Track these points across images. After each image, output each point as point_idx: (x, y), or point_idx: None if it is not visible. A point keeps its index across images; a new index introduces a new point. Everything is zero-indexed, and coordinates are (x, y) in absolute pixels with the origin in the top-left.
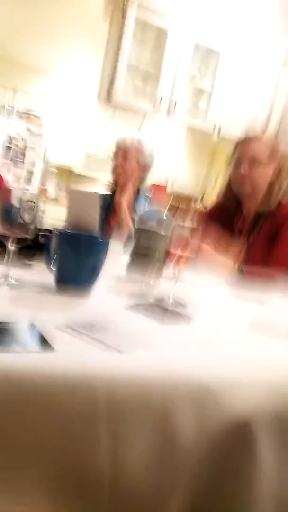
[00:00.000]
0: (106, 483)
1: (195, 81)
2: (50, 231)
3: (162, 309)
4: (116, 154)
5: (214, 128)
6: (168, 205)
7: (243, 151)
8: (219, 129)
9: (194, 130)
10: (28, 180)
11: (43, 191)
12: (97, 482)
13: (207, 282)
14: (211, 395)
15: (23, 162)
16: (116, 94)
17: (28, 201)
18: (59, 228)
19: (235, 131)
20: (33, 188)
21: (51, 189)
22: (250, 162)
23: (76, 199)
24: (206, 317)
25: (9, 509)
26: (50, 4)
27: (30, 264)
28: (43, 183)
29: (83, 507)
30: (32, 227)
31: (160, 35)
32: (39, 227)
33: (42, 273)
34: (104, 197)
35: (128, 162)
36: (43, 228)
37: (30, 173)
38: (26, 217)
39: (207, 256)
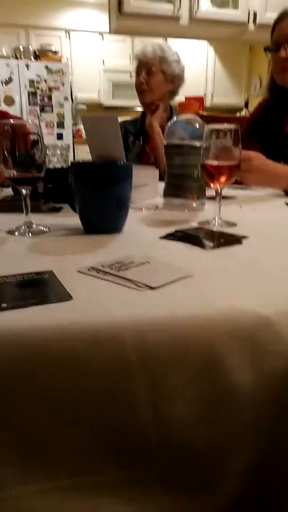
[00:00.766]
0: (152, 439)
1: None
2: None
3: (206, 232)
4: (138, 69)
5: (249, 15)
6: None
7: (281, 30)
8: (255, 14)
9: (225, 23)
10: (60, 123)
11: (76, 131)
12: (141, 442)
13: (260, 196)
14: (270, 328)
15: (50, 105)
16: (127, 2)
17: (30, 133)
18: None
19: (275, 13)
20: (66, 131)
21: None
22: None
23: (93, 128)
24: (261, 237)
25: (57, 484)
26: None
27: (58, 209)
28: (75, 123)
29: (128, 470)
30: (41, 163)
31: None
32: (64, 166)
33: (70, 216)
34: (134, 122)
35: (152, 76)
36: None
37: (61, 115)
38: (34, 153)
39: (257, 165)
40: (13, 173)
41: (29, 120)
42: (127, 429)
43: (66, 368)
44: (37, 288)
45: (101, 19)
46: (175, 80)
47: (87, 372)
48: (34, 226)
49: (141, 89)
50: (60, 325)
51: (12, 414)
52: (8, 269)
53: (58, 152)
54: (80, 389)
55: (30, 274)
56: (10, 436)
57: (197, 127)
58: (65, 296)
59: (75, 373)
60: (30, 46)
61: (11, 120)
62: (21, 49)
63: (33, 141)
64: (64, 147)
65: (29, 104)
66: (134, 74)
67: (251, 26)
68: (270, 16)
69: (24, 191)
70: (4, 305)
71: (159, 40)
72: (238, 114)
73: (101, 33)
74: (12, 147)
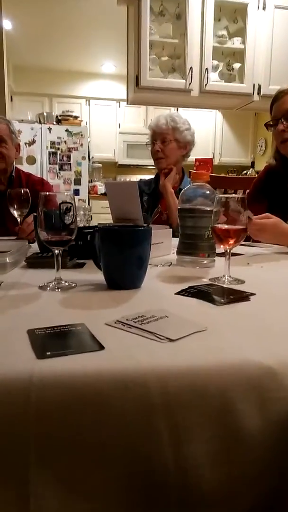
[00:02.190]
0: (172, 477)
1: (224, 42)
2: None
3: (217, 289)
4: (153, 139)
5: (253, 87)
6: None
7: (278, 107)
8: (259, 87)
9: (232, 94)
10: (77, 180)
11: (92, 187)
12: (163, 477)
13: (268, 254)
14: (274, 377)
15: (69, 164)
16: (144, 77)
17: (64, 202)
18: (102, 224)
19: (277, 86)
20: (82, 187)
21: (100, 184)
22: (286, 116)
23: (115, 192)
24: (267, 294)
25: (80, 510)
26: (63, 3)
27: (82, 264)
28: (91, 180)
29: (151, 503)
30: (73, 227)
31: (180, 3)
32: (87, 225)
33: (93, 272)
34: (149, 182)
35: (167, 145)
36: (90, 226)
37: (78, 173)
38: (67, 219)
39: (268, 225)
40: (48, 235)
41: (65, 193)
42: (150, 463)
43: (100, 408)
44: (74, 339)
45: (118, 88)
46: (187, 146)
47: (118, 412)
48: (63, 282)
49: (158, 157)
50: (96, 371)
51: (53, 445)
52: (45, 322)
53: (82, 212)
54: (112, 427)
55: (66, 326)
56: (53, 473)
57: (208, 193)
58: (98, 346)
59: (108, 414)
60: (53, 112)
61: (47, 192)
62: (45, 115)
63: (66, 209)
64: (87, 208)
65: (49, 163)
66: (148, 138)
67: (255, 97)
68: (273, 88)
69: (56, 251)
70: (48, 353)
71: (172, 109)
72: (245, 172)
73: (118, 101)
74: (48, 213)
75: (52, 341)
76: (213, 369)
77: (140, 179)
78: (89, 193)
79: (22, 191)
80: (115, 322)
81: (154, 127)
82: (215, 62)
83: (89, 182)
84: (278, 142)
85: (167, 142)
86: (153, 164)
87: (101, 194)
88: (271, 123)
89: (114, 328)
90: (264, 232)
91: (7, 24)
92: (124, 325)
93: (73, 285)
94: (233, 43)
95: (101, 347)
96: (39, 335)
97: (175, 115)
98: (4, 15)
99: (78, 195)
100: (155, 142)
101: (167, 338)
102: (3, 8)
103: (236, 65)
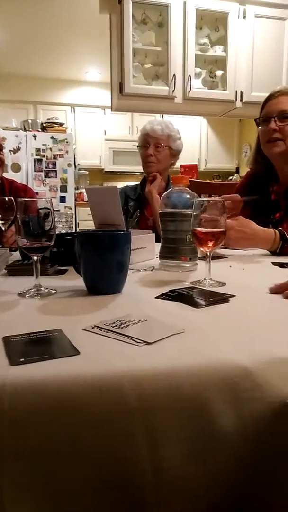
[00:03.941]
0: (149, 477)
1: (206, 50)
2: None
3: (198, 291)
4: (145, 142)
5: (236, 94)
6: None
7: (271, 106)
8: (242, 94)
9: (215, 101)
10: (63, 187)
11: (78, 195)
12: (140, 477)
13: (250, 256)
14: (249, 377)
15: (55, 171)
16: (127, 84)
17: (42, 208)
18: (82, 230)
19: (259, 93)
20: (69, 194)
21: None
22: (280, 115)
23: (95, 197)
24: (246, 296)
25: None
26: (46, 11)
27: (63, 271)
28: (77, 187)
29: (128, 503)
30: (52, 233)
31: (162, 11)
32: (69, 231)
33: (74, 278)
34: (134, 188)
35: (161, 151)
36: (71, 232)
37: (64, 180)
38: (46, 225)
39: (238, 230)
40: (26, 242)
41: (44, 198)
42: (127, 465)
43: (75, 412)
44: (49, 345)
45: (103, 95)
46: (177, 155)
47: (93, 416)
48: (42, 288)
49: (149, 161)
50: (70, 376)
51: (28, 451)
52: (21, 328)
53: (64, 219)
54: (87, 431)
55: (41, 333)
56: (27, 479)
57: (188, 197)
58: (73, 351)
59: (83, 417)
60: (38, 120)
61: (25, 198)
62: (30, 122)
63: (45, 214)
64: (69, 215)
65: (35, 170)
66: (133, 144)
67: (238, 103)
68: (255, 94)
69: (35, 258)
70: (22, 359)
71: (157, 116)
72: (230, 178)
73: (103, 108)
74: (26, 219)
75: (27, 347)
76: (188, 370)
77: (126, 185)
78: (75, 200)
79: (6, 199)
80: (93, 327)
81: (149, 130)
82: (198, 70)
83: (75, 189)
84: (263, 141)
85: (161, 148)
86: (139, 170)
87: (87, 201)
88: (260, 119)
89: (91, 333)
90: (233, 240)
91: None
92: (101, 330)
93: (53, 291)
94: (215, 51)
95: (77, 352)
96: (14, 342)
97: (169, 122)
98: None
99: (65, 202)
100: (147, 146)
101: (143, 341)
102: None
103: (219, 73)
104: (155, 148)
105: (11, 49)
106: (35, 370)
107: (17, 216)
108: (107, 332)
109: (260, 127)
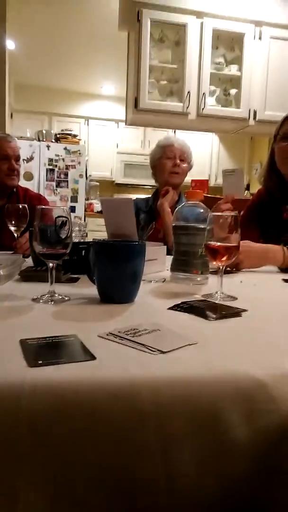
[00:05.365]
0: (162, 485)
1: (221, 69)
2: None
3: (209, 305)
4: (171, 153)
5: (249, 112)
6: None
7: None
8: (255, 112)
9: (228, 118)
10: (74, 197)
11: (88, 205)
12: (153, 485)
13: (261, 273)
14: (263, 389)
15: (66, 181)
16: (143, 99)
17: (60, 216)
18: (97, 239)
19: (272, 112)
20: (79, 204)
21: (97, 202)
22: None
23: (110, 208)
24: (258, 311)
25: None
26: (66, 26)
27: (76, 279)
28: (88, 198)
29: (141, 510)
30: (68, 242)
31: (179, 30)
32: (82, 240)
33: (87, 286)
34: (146, 200)
35: (184, 163)
36: (85, 241)
37: (75, 190)
38: (62, 233)
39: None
40: (43, 248)
41: (62, 207)
42: (140, 472)
43: (91, 416)
44: (65, 349)
45: (117, 109)
46: (189, 171)
47: (108, 421)
48: (56, 295)
49: (175, 171)
50: (87, 380)
51: (43, 451)
52: (37, 333)
53: (77, 228)
54: (102, 435)
55: (58, 337)
56: (41, 480)
57: (201, 211)
58: (89, 356)
59: (99, 421)
60: (52, 130)
61: (43, 206)
62: (44, 132)
63: (62, 223)
64: (82, 224)
65: (47, 180)
66: (147, 157)
67: (251, 121)
68: (268, 113)
69: (51, 264)
70: (40, 362)
71: (170, 131)
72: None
73: (116, 121)
74: (44, 226)
75: (44, 350)
76: (204, 380)
77: (137, 198)
78: (85, 210)
79: (21, 206)
80: (107, 334)
81: (175, 142)
82: (212, 88)
83: (85, 200)
84: (282, 157)
85: (184, 162)
86: (150, 183)
87: (97, 212)
88: (279, 136)
89: (106, 340)
90: (255, 258)
91: (10, 44)
92: (116, 337)
93: (66, 298)
94: (230, 70)
95: (93, 357)
96: (31, 345)
97: (185, 140)
98: (8, 36)
99: (74, 212)
100: (172, 157)
101: (158, 350)
102: (7, 28)
103: (233, 91)
104: (180, 161)
105: (30, 61)
106: (53, 372)
107: (35, 223)
108: (122, 339)
109: (277, 144)
